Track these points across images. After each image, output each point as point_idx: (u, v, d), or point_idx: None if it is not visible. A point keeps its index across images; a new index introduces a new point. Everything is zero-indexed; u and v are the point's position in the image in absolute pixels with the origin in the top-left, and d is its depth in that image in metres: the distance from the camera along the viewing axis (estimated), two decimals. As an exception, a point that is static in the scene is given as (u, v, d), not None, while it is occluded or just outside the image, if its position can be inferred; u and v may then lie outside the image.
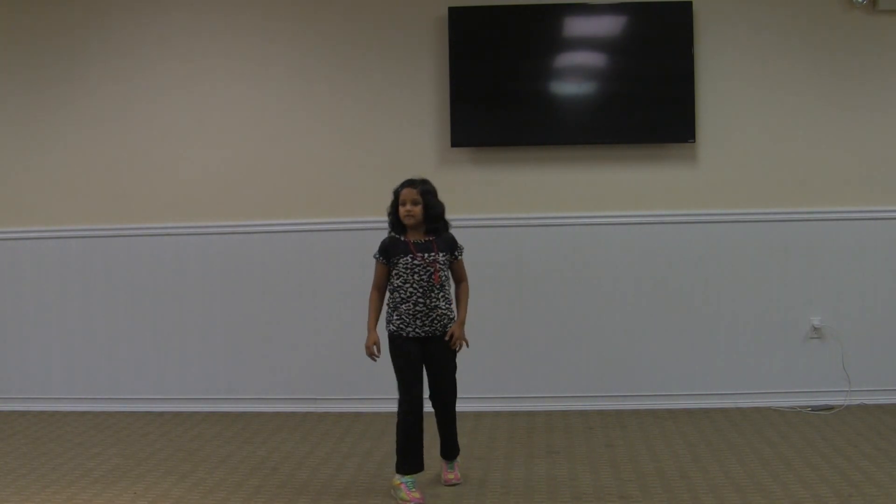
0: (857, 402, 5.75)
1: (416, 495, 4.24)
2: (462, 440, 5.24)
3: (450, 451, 4.60)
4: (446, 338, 4.41)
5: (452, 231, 4.55)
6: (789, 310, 5.82)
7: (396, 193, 4.45)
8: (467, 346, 4.47)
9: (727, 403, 5.80)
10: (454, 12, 5.77)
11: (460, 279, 4.53)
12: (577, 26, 5.91)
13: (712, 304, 5.83)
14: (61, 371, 6.13)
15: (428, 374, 4.50)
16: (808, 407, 5.71)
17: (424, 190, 4.40)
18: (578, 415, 5.73)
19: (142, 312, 6.08)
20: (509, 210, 5.90)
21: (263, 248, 6.00)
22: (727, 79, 5.79)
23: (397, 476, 4.35)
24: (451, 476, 4.54)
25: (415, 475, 4.35)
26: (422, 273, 4.36)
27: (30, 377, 6.16)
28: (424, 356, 4.43)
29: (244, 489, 4.48)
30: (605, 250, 5.86)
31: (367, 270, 5.91)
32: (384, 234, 5.94)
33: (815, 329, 5.81)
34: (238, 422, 5.76)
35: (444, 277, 4.40)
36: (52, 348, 6.14)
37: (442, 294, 4.39)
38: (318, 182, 5.98)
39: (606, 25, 5.87)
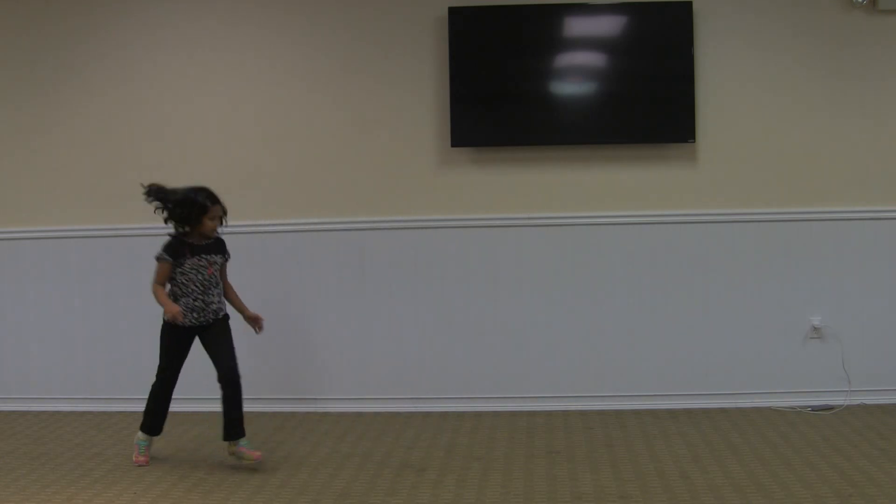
0: (857, 402, 5.74)
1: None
2: (462, 440, 5.26)
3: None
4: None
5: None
6: (789, 310, 5.81)
7: (207, 207, 4.82)
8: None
9: (727, 403, 5.80)
10: (454, 12, 5.77)
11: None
12: (577, 26, 5.91)
13: (712, 304, 5.83)
14: (61, 371, 6.13)
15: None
16: (808, 407, 5.71)
17: None
18: (578, 415, 5.73)
19: (142, 312, 6.06)
20: (509, 210, 5.90)
21: (263, 248, 6.00)
22: (727, 79, 5.79)
23: (232, 441, 4.81)
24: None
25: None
26: (203, 271, 4.89)
27: (30, 377, 6.16)
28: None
29: (244, 489, 4.48)
30: (605, 250, 5.86)
31: (366, 270, 5.96)
32: (384, 234, 5.99)
33: (815, 329, 5.81)
34: (238, 422, 5.75)
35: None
36: (52, 348, 6.14)
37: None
38: (318, 182, 5.98)
39: (606, 25, 5.87)
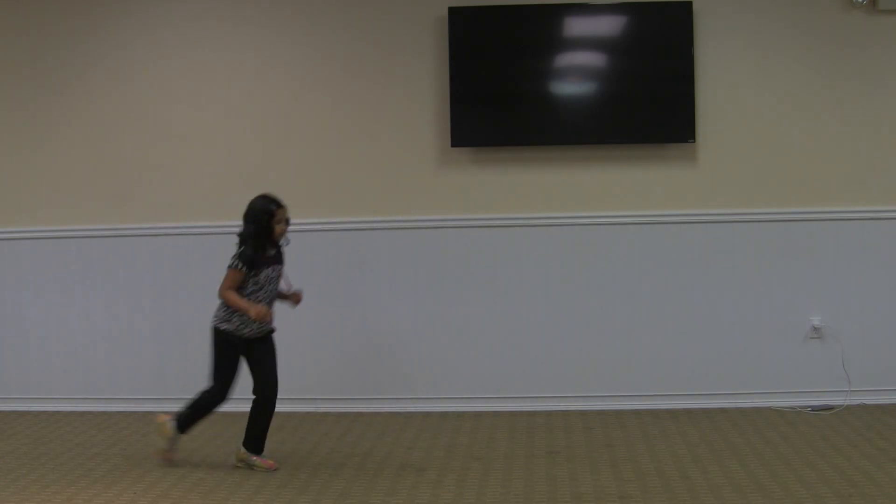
0: (857, 402, 5.74)
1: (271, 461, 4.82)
2: (462, 440, 5.26)
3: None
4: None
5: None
6: (789, 310, 5.81)
7: (273, 212, 4.73)
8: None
9: (727, 403, 5.80)
10: (454, 12, 5.77)
11: None
12: (577, 26, 5.91)
13: (712, 304, 5.83)
14: (61, 371, 6.13)
15: None
16: (808, 407, 5.71)
17: None
18: (578, 415, 5.73)
19: (142, 312, 6.08)
20: (509, 210, 5.90)
21: (263, 248, 5.99)
22: (727, 78, 5.79)
23: (250, 453, 4.81)
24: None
25: None
26: (274, 282, 4.84)
27: (30, 377, 6.16)
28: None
29: (244, 489, 4.48)
30: (605, 250, 5.86)
31: (366, 270, 5.96)
32: (384, 234, 5.98)
33: (815, 329, 5.81)
34: (238, 422, 5.72)
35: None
36: (52, 348, 6.13)
37: None
38: (318, 182, 5.98)
39: (606, 25, 5.87)
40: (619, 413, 5.74)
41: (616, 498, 4.23)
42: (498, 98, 5.85)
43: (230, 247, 6.16)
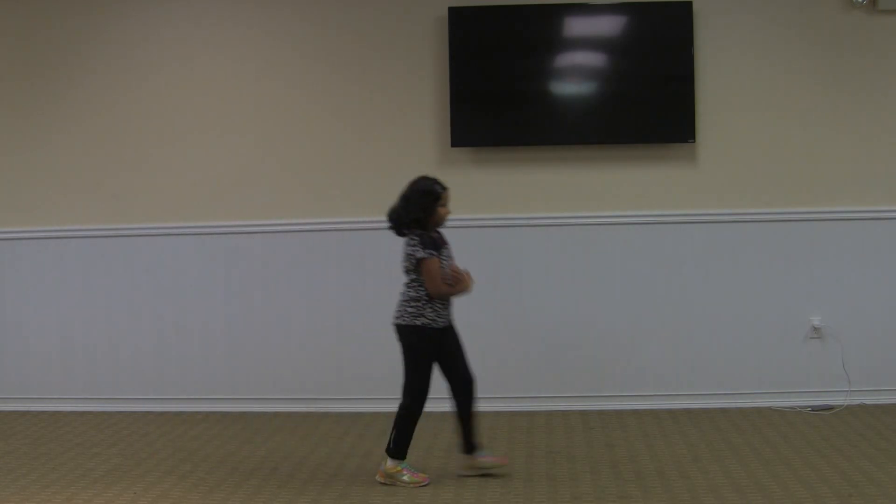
0: (857, 402, 5.74)
1: (423, 475, 4.54)
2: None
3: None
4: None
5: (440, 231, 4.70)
6: (789, 310, 5.81)
7: (439, 194, 4.53)
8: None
9: (727, 403, 5.80)
10: (454, 12, 5.77)
11: None
12: (577, 26, 5.91)
13: (712, 304, 5.83)
14: (61, 371, 6.13)
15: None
16: (808, 407, 5.71)
17: None
18: (578, 415, 5.73)
19: (142, 312, 6.08)
20: (509, 210, 5.90)
21: (263, 248, 5.99)
22: (727, 79, 5.79)
23: (398, 462, 4.52)
24: (500, 457, 4.66)
25: None
26: (448, 262, 4.59)
27: (30, 377, 6.15)
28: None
29: (244, 489, 4.48)
30: (605, 250, 5.86)
31: (367, 270, 5.95)
32: (384, 234, 5.95)
33: (815, 329, 5.81)
34: (238, 422, 5.76)
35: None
36: (52, 348, 6.13)
37: None
38: (318, 182, 5.98)
39: (606, 25, 5.87)
40: (619, 413, 5.74)
41: (616, 498, 4.23)
42: (498, 98, 5.85)
43: (230, 246, 6.18)
